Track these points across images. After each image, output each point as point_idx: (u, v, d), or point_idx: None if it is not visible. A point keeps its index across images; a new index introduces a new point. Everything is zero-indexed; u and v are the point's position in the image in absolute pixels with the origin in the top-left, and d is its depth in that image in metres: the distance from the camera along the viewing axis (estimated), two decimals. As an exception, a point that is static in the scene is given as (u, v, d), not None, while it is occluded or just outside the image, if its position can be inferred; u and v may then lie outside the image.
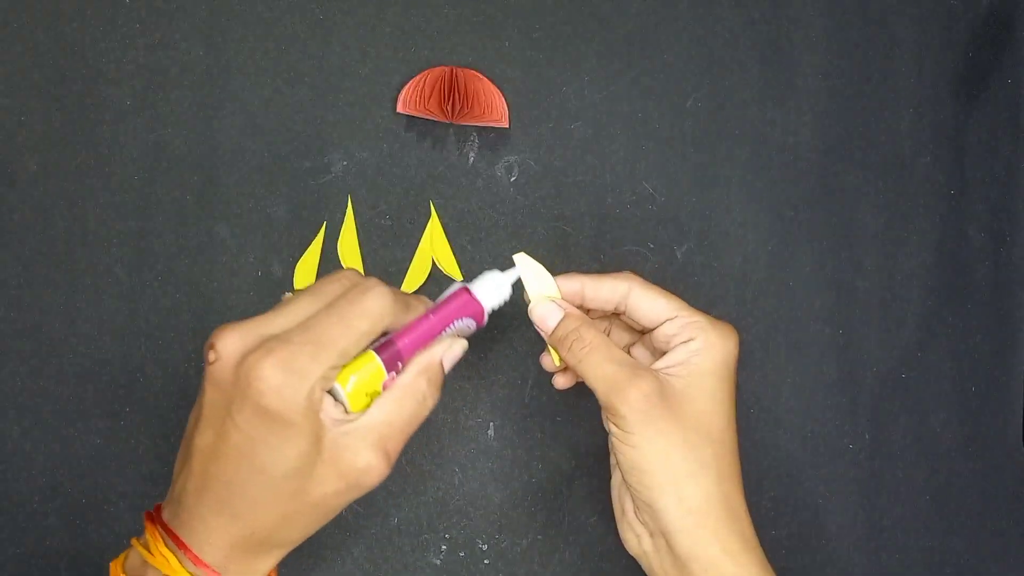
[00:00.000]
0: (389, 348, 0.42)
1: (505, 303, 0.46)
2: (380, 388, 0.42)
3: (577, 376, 0.47)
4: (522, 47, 0.58)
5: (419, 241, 0.57)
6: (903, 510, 0.59)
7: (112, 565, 0.41)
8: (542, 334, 0.46)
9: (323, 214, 0.57)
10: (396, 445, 0.41)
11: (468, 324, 0.45)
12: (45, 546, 0.54)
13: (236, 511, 0.39)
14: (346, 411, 0.41)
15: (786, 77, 0.60)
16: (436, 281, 0.57)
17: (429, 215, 0.57)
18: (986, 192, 0.61)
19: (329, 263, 0.56)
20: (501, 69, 0.58)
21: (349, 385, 0.41)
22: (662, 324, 0.44)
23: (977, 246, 0.60)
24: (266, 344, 0.38)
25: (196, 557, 0.39)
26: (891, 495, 0.59)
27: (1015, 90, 0.62)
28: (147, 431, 0.55)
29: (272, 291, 0.56)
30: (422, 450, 0.56)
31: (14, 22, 0.57)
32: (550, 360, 0.48)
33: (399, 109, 0.57)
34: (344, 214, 0.57)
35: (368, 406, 0.41)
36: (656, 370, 0.43)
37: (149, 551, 0.40)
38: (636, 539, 0.44)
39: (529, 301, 0.46)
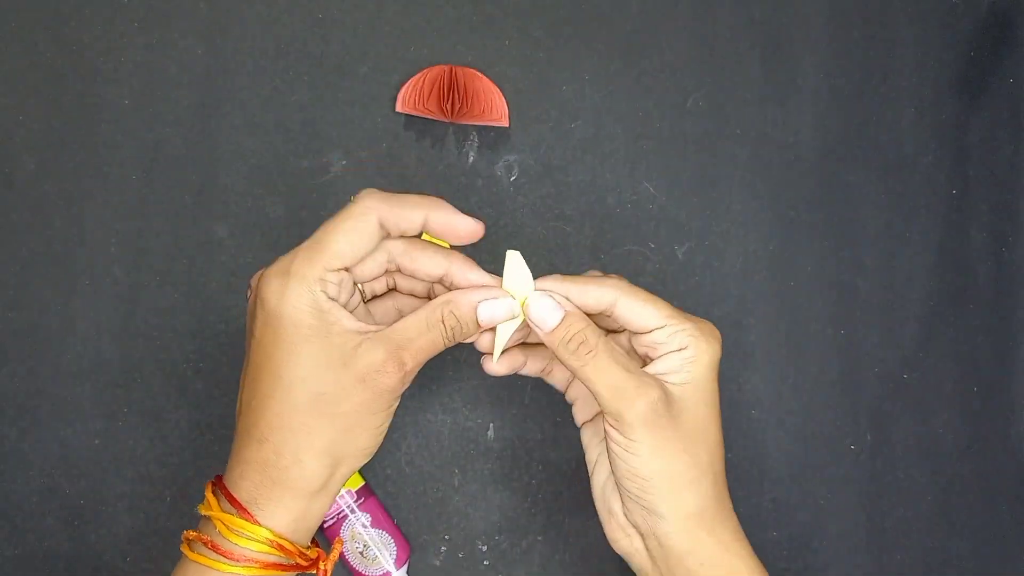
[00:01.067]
0: None
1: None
2: None
3: (534, 371, 0.46)
4: (522, 47, 0.58)
5: (418, 241, 0.57)
6: (905, 511, 0.58)
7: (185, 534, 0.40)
8: (538, 332, 0.42)
9: (322, 214, 0.56)
10: (411, 358, 0.40)
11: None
12: (43, 547, 0.54)
13: (261, 434, 0.38)
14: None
15: (786, 77, 0.60)
16: (435, 281, 0.57)
17: (428, 215, 0.57)
18: (988, 192, 0.61)
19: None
20: (501, 68, 0.58)
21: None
22: (651, 332, 0.43)
23: (979, 246, 0.60)
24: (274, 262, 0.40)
25: (228, 492, 0.38)
26: (892, 496, 0.58)
27: (1016, 89, 0.61)
28: (145, 432, 0.55)
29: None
30: (422, 450, 0.56)
31: (13, 22, 0.56)
32: (491, 359, 0.44)
33: (398, 108, 0.57)
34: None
35: None
36: (657, 377, 0.43)
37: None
38: (627, 538, 0.44)
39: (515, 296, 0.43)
